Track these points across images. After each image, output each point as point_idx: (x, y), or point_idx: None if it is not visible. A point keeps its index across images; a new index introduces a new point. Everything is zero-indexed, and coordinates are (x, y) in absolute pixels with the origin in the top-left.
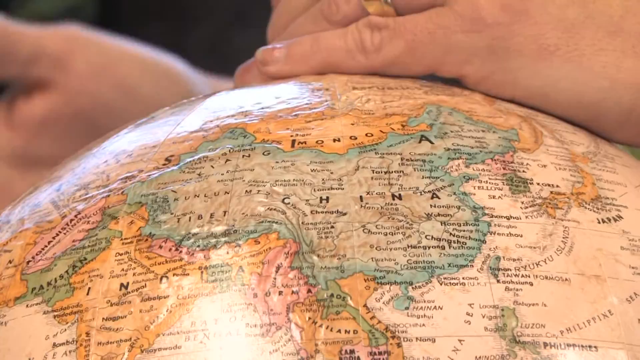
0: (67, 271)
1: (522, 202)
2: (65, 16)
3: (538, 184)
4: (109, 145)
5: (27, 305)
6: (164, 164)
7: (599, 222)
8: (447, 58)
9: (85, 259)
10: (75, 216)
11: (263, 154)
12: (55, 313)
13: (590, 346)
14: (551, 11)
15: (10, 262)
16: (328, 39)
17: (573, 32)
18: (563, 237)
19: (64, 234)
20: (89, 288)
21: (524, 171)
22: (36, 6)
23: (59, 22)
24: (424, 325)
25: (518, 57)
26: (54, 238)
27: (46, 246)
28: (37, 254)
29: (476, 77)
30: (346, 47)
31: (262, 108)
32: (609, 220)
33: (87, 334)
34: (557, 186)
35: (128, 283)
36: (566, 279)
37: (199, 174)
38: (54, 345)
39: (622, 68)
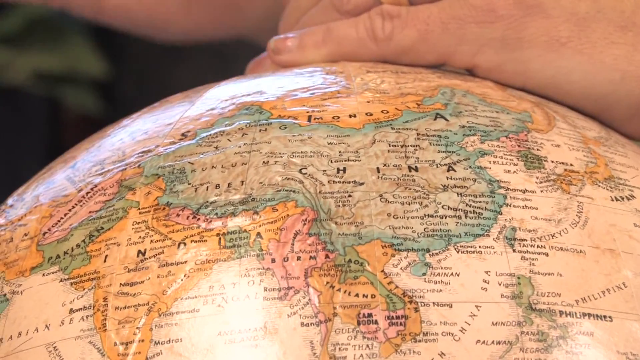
0: (83, 240)
1: (537, 177)
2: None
3: (552, 161)
4: (123, 127)
5: (43, 274)
6: (180, 139)
7: (613, 200)
8: (459, 48)
9: (102, 228)
10: (92, 189)
11: (280, 128)
12: (72, 280)
13: (605, 316)
14: (563, 5)
15: (25, 234)
16: (340, 27)
17: (584, 25)
18: (577, 212)
19: (80, 206)
20: (106, 256)
21: (538, 149)
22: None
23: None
24: (441, 291)
25: (530, 48)
26: (70, 210)
27: (62, 218)
28: (53, 226)
29: (487, 67)
30: (358, 35)
31: (278, 87)
32: (622, 198)
33: (105, 299)
34: (571, 164)
35: (145, 250)
36: (581, 251)
37: (216, 147)
38: (71, 311)
39: (634, 61)
